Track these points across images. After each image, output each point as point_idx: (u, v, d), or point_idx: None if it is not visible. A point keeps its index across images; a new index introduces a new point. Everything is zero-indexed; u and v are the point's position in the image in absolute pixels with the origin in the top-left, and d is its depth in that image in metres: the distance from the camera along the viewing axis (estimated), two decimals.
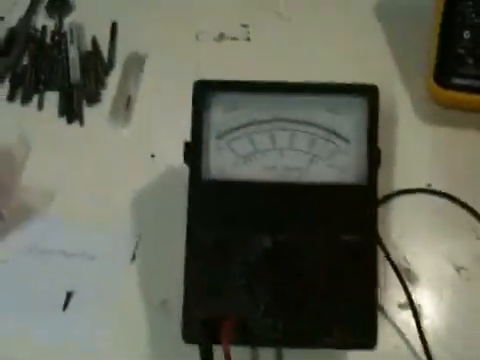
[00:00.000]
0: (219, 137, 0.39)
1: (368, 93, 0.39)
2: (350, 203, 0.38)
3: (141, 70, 0.55)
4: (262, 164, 0.39)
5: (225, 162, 0.39)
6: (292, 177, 0.39)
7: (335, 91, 0.39)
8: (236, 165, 0.39)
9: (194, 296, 0.38)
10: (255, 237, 0.38)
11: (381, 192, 0.47)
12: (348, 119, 0.39)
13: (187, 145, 0.40)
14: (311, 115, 0.39)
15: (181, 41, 0.57)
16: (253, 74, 0.54)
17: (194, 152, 0.39)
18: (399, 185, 0.50)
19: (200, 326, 0.38)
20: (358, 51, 0.56)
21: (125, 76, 0.54)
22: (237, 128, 0.39)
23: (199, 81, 0.39)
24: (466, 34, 0.50)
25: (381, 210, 0.47)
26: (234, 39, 0.58)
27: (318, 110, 0.39)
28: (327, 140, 0.39)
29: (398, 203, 0.49)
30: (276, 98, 0.39)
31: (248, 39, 0.58)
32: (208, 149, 0.39)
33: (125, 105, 0.52)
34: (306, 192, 0.39)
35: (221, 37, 0.58)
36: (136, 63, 0.55)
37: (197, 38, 0.58)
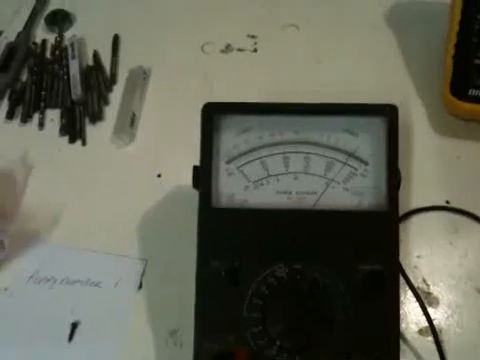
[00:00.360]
0: (229, 161, 0.38)
1: (387, 113, 0.37)
2: (370, 230, 0.36)
3: (145, 85, 0.53)
4: (275, 189, 0.37)
5: (236, 188, 0.37)
6: (307, 203, 0.37)
7: (352, 112, 0.37)
8: (247, 190, 0.37)
9: (206, 328, 0.36)
10: (269, 267, 0.36)
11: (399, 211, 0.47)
12: (366, 140, 0.37)
13: (196, 169, 0.38)
14: (327, 137, 0.37)
15: (186, 53, 0.56)
16: (261, 86, 0.54)
17: (203, 177, 0.37)
18: (416, 202, 0.48)
19: None
20: (371, 63, 0.54)
21: (129, 91, 0.52)
22: (248, 152, 0.37)
23: (208, 103, 0.37)
24: None
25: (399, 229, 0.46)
26: (241, 50, 0.56)
27: (334, 132, 0.37)
28: (344, 163, 0.37)
29: (416, 222, 0.47)
30: (289, 120, 0.37)
31: (255, 50, 0.56)
32: (218, 174, 0.37)
33: (129, 122, 0.50)
34: (322, 219, 0.37)
35: (228, 48, 0.56)
36: (140, 78, 0.53)
37: (203, 50, 0.56)
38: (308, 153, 0.37)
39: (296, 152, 0.37)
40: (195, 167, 0.38)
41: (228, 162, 0.38)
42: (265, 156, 0.37)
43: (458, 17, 0.50)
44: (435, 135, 0.51)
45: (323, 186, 0.37)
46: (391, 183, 0.37)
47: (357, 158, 0.37)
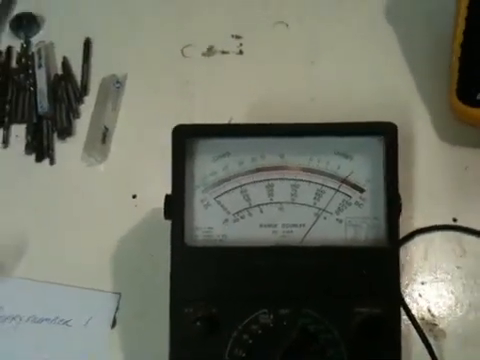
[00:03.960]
0: (205, 190, 0.33)
1: (385, 132, 0.33)
2: (367, 268, 0.32)
3: (119, 95, 0.48)
4: (258, 222, 0.33)
5: (213, 221, 0.33)
6: (295, 237, 0.33)
7: (344, 132, 0.33)
8: (227, 224, 0.33)
9: None
10: (252, 312, 0.32)
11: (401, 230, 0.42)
12: (361, 164, 0.33)
13: (167, 198, 0.33)
14: (316, 161, 0.33)
15: (165, 58, 0.51)
16: (248, 93, 0.50)
17: (175, 210, 0.32)
18: (420, 221, 0.43)
19: None
20: (370, 64, 0.49)
21: (101, 103, 0.47)
22: (227, 179, 0.33)
23: (179, 126, 0.33)
24: None
25: (400, 253, 0.42)
26: (225, 53, 0.51)
27: (324, 155, 0.33)
28: (336, 190, 0.33)
29: (419, 243, 0.43)
30: (273, 142, 0.33)
31: (241, 52, 0.51)
32: (192, 205, 0.33)
33: (101, 138, 0.46)
34: (312, 255, 0.32)
35: (210, 51, 0.51)
36: (113, 87, 0.48)
37: (183, 54, 0.51)
38: (295, 180, 0.33)
39: (281, 179, 0.33)
40: (167, 196, 0.33)
41: (204, 191, 0.33)
42: (246, 184, 0.33)
43: (464, 13, 0.45)
44: (440, 143, 0.46)
45: (313, 218, 0.33)
46: (391, 214, 0.32)
47: (351, 184, 0.33)
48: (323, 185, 0.33)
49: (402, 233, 0.42)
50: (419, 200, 0.44)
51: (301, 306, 0.32)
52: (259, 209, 0.33)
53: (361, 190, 0.33)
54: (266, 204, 0.33)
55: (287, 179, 0.33)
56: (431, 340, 0.38)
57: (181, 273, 0.33)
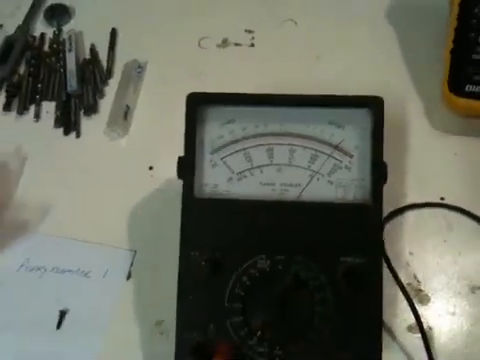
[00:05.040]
0: (213, 152, 0.38)
1: (372, 105, 0.37)
2: (353, 223, 0.36)
3: (140, 79, 0.53)
4: (259, 181, 0.37)
5: (219, 178, 0.37)
6: (291, 195, 0.37)
7: (337, 103, 0.37)
8: (231, 182, 0.37)
9: (187, 319, 0.37)
10: (251, 258, 0.36)
11: (392, 205, 0.46)
12: (351, 133, 0.37)
13: (180, 160, 0.38)
14: (311, 129, 0.37)
15: (183, 48, 0.55)
16: (258, 82, 0.53)
17: (186, 168, 0.37)
18: (411, 198, 0.47)
19: (192, 351, 0.36)
20: (368, 58, 0.53)
21: (123, 85, 0.52)
22: (232, 143, 0.37)
23: (192, 93, 0.37)
24: None
25: (391, 225, 0.45)
26: (238, 45, 0.56)
27: (319, 124, 0.37)
28: (329, 155, 0.37)
29: (410, 217, 0.46)
30: (274, 111, 0.37)
31: (252, 45, 0.56)
32: (202, 165, 0.37)
33: (123, 115, 0.50)
34: (306, 211, 0.36)
35: (224, 43, 0.56)
36: (135, 71, 0.53)
37: (199, 45, 0.56)
38: (292, 145, 0.37)
39: (280, 144, 0.37)
40: (180, 158, 0.38)
41: (212, 153, 0.38)
42: (249, 147, 0.37)
43: (456, 11, 0.49)
44: (433, 131, 0.50)
45: (307, 178, 0.37)
46: (375, 177, 0.36)
47: (342, 151, 0.37)
48: (317, 150, 0.37)
49: (395, 207, 0.46)
50: (411, 180, 0.48)
51: (294, 254, 0.36)
52: (260, 170, 0.37)
53: (351, 156, 0.37)
54: (266, 165, 0.37)
55: (285, 144, 0.37)
56: (417, 304, 0.42)
57: (190, 222, 0.37)
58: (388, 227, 0.45)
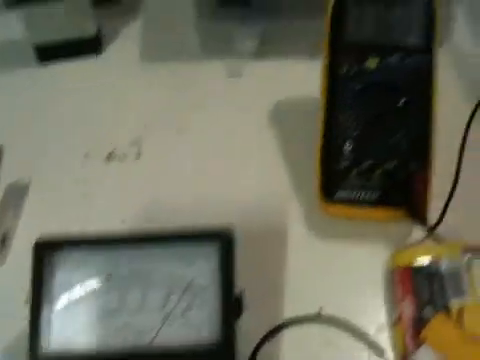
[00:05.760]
0: (61, 301, 0.36)
1: (219, 239, 0.36)
2: None
3: (22, 200, 0.52)
4: (111, 328, 0.36)
5: (68, 330, 0.36)
6: (144, 341, 0.35)
7: (186, 239, 0.37)
8: (81, 333, 0.36)
9: None
10: None
11: (272, 322, 0.44)
12: (202, 269, 0.36)
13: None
14: (163, 268, 0.36)
15: (68, 164, 0.55)
16: (143, 194, 0.51)
17: (31, 321, 0.35)
18: (289, 314, 0.45)
19: None
20: (253, 164, 0.53)
21: (2, 208, 0.51)
22: (82, 288, 0.36)
23: (38, 240, 0.36)
24: (347, 146, 0.49)
25: (270, 346, 0.43)
26: (123, 158, 0.56)
27: (170, 261, 0.36)
28: (182, 295, 0.36)
29: (289, 336, 0.44)
30: (123, 252, 0.37)
31: (138, 157, 0.56)
32: (49, 315, 0.36)
33: (1, 242, 0.49)
34: (160, 357, 0.35)
35: (109, 157, 0.56)
36: (16, 193, 0.52)
37: (86, 158, 0.55)
38: (144, 287, 0.36)
39: (132, 286, 0.36)
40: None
41: (58, 300, 0.36)
42: (100, 292, 0.36)
43: (323, 117, 0.49)
44: (313, 237, 0.49)
45: (160, 322, 0.36)
46: (226, 312, 0.36)
47: (194, 288, 0.36)
48: (170, 290, 0.36)
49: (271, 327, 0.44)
50: (289, 293, 0.46)
51: None
52: (112, 316, 0.36)
53: (203, 293, 0.36)
54: (118, 311, 0.36)
55: (137, 286, 0.36)
56: None
57: None
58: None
